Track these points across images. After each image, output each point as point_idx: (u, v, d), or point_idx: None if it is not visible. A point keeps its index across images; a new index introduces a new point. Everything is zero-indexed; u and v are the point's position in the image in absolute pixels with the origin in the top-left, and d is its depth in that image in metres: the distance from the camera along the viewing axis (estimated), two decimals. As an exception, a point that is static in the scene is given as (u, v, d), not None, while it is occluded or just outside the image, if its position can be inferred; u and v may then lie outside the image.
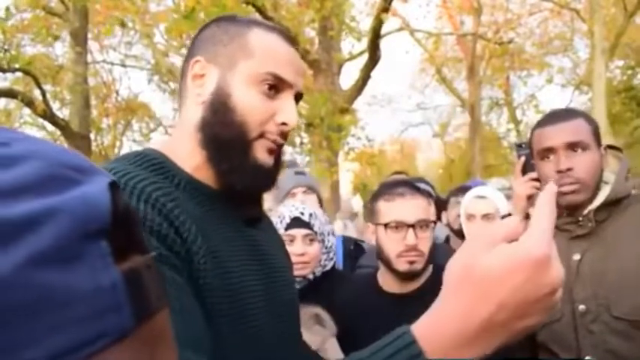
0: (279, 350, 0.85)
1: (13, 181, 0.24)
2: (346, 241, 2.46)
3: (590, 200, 1.40)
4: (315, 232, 1.67)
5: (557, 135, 1.40)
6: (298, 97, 0.92)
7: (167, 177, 0.82)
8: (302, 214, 1.67)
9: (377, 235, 1.57)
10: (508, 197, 2.34)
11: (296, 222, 1.66)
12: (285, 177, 2.38)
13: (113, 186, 0.28)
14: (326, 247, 1.74)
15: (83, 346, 0.24)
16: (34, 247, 0.23)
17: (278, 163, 0.91)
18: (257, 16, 8.14)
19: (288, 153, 10.86)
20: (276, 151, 0.90)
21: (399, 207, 1.52)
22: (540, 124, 1.48)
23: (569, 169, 1.37)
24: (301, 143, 9.71)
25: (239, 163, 0.85)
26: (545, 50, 17.23)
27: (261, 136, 0.87)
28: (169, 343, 0.31)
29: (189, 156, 0.87)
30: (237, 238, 0.86)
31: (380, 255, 1.58)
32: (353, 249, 2.45)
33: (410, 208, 1.52)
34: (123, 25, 8.12)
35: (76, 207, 0.25)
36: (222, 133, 0.85)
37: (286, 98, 0.89)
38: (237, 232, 0.87)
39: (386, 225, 1.52)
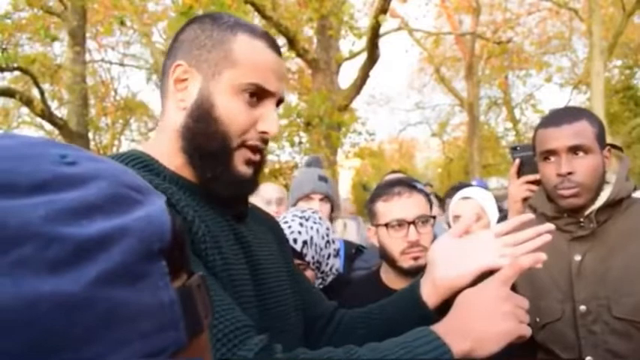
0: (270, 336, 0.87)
1: (84, 200, 0.25)
2: (347, 245, 2.46)
3: (592, 201, 1.39)
4: (308, 262, 1.63)
5: (560, 137, 1.39)
6: (279, 102, 0.93)
7: (154, 174, 0.84)
8: (295, 241, 1.61)
9: (378, 236, 1.58)
10: (506, 197, 2.35)
11: None
12: (307, 177, 2.36)
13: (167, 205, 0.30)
14: (322, 272, 1.70)
15: (152, 356, 0.25)
16: (105, 265, 0.24)
17: (258, 170, 0.92)
18: (256, 16, 8.15)
19: (288, 153, 10.88)
20: (256, 161, 0.91)
21: (397, 206, 1.54)
22: (544, 124, 1.46)
23: (569, 173, 1.36)
24: (300, 142, 9.71)
25: (220, 173, 0.87)
26: (543, 50, 17.25)
27: (242, 144, 0.88)
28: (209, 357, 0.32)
29: (171, 156, 0.88)
30: (226, 231, 0.87)
31: (383, 255, 1.59)
32: (355, 253, 2.46)
33: (408, 205, 1.53)
34: (122, 23, 8.10)
35: (142, 227, 0.26)
36: (206, 144, 0.86)
37: (268, 106, 0.89)
38: (226, 226, 0.88)
39: (387, 225, 1.53)
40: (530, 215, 1.00)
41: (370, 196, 1.67)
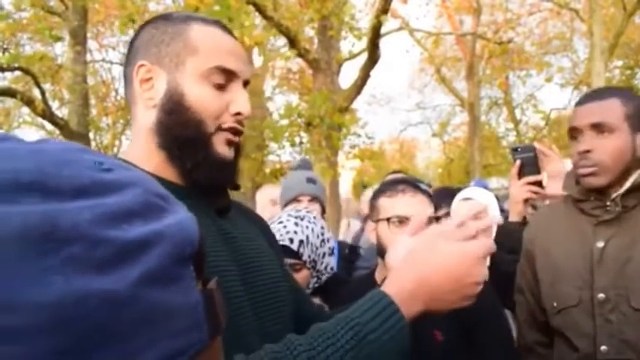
0: (259, 332, 0.86)
1: (122, 205, 0.27)
2: (341, 245, 2.47)
3: (620, 185, 1.34)
4: (304, 262, 1.64)
5: (583, 115, 1.35)
6: (246, 84, 0.93)
7: None
8: (291, 241, 1.62)
9: (378, 232, 1.58)
10: (506, 197, 2.35)
11: (283, 250, 1.58)
12: (295, 180, 2.37)
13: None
14: (317, 271, 1.70)
15: (177, 356, 0.27)
16: (145, 267, 0.26)
17: (238, 155, 0.93)
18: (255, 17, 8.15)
19: (288, 152, 10.88)
20: (236, 142, 0.91)
21: (400, 202, 1.54)
22: (577, 103, 1.43)
23: (587, 151, 1.33)
24: (301, 142, 9.71)
25: (202, 159, 0.87)
26: (544, 50, 17.24)
27: (219, 128, 0.88)
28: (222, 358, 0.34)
29: (148, 157, 0.88)
30: (208, 228, 0.87)
31: (380, 251, 1.59)
32: (348, 253, 2.46)
33: (412, 203, 1.53)
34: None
35: (176, 233, 0.28)
36: (182, 133, 0.86)
37: (236, 88, 0.90)
38: (208, 223, 0.88)
39: (388, 219, 1.53)
40: (480, 203, 0.99)
41: (374, 192, 1.67)
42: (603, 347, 1.30)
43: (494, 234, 1.83)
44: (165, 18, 0.92)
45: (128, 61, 0.92)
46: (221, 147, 0.88)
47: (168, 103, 0.87)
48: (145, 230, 0.27)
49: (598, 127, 1.32)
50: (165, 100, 0.87)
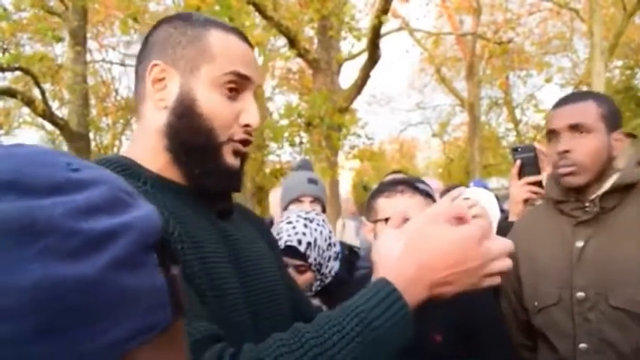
0: (256, 332, 0.86)
1: (90, 201, 0.30)
2: (341, 246, 2.47)
3: (599, 185, 1.38)
4: (309, 264, 1.63)
5: (561, 117, 1.40)
6: (257, 88, 0.94)
7: (133, 177, 0.83)
8: (299, 242, 1.61)
9: (376, 233, 1.56)
10: (506, 197, 2.35)
11: (290, 250, 1.61)
12: (296, 180, 2.37)
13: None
14: (322, 274, 1.70)
15: (144, 333, 0.31)
16: (113, 254, 0.30)
17: (244, 163, 0.93)
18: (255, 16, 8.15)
19: (289, 153, 10.88)
20: (243, 152, 0.92)
21: (399, 203, 1.53)
22: (553, 106, 1.48)
23: (566, 151, 1.37)
24: (301, 143, 9.70)
25: (211, 168, 0.87)
26: (544, 50, 17.24)
27: (229, 139, 0.88)
28: (185, 345, 0.38)
29: (153, 158, 0.88)
30: (210, 229, 0.87)
31: None
32: (348, 254, 2.46)
33: (410, 204, 1.52)
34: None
35: (140, 224, 0.32)
36: (192, 139, 0.86)
37: (248, 98, 0.90)
38: (210, 224, 0.88)
39: (387, 220, 1.51)
40: (461, 189, 0.99)
41: (371, 193, 1.66)
42: (582, 345, 1.32)
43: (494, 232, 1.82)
44: (184, 19, 0.91)
45: (141, 57, 0.91)
46: (229, 157, 0.89)
47: (179, 107, 0.87)
48: (112, 222, 0.31)
49: (576, 128, 1.37)
50: (177, 104, 0.87)
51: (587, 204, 1.39)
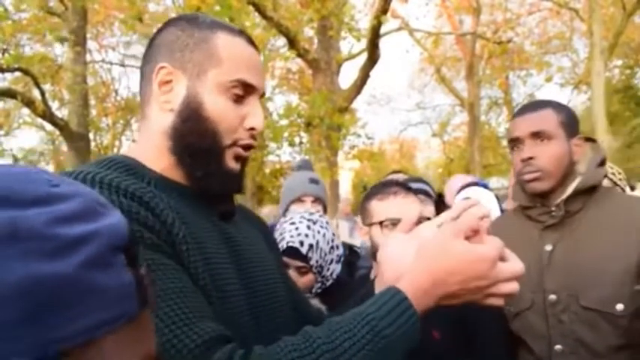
0: (257, 333, 0.87)
1: (68, 211, 0.37)
2: (345, 247, 2.47)
3: (563, 190, 1.42)
4: (311, 266, 1.62)
5: (522, 125, 1.44)
6: (262, 97, 0.95)
7: (137, 177, 0.84)
8: (302, 244, 1.60)
9: (370, 235, 1.56)
10: (506, 197, 2.35)
11: (292, 251, 1.60)
12: (298, 180, 2.37)
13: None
14: (323, 276, 1.69)
15: (114, 321, 0.36)
16: (86, 255, 0.35)
17: (244, 166, 0.94)
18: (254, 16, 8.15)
19: (288, 153, 10.89)
20: (245, 157, 0.92)
21: (392, 205, 1.52)
22: (513, 115, 1.52)
23: (530, 158, 1.41)
24: (300, 143, 9.71)
25: (213, 170, 0.88)
26: (544, 50, 17.25)
27: (234, 143, 0.89)
28: (152, 338, 0.43)
29: (157, 159, 0.88)
30: (212, 231, 0.87)
31: (375, 254, 1.58)
32: (348, 254, 2.46)
33: (404, 205, 1.52)
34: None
35: (110, 230, 0.38)
36: (197, 142, 0.87)
37: (253, 103, 0.91)
38: (212, 226, 0.88)
39: (381, 223, 1.52)
40: (473, 201, 1.00)
41: (365, 195, 1.65)
42: (558, 347, 1.35)
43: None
44: (190, 21, 0.91)
45: (147, 59, 0.91)
46: (230, 161, 0.89)
47: (185, 110, 0.87)
48: (85, 228, 0.36)
49: (537, 135, 1.41)
50: (182, 107, 0.87)
51: (552, 208, 1.42)
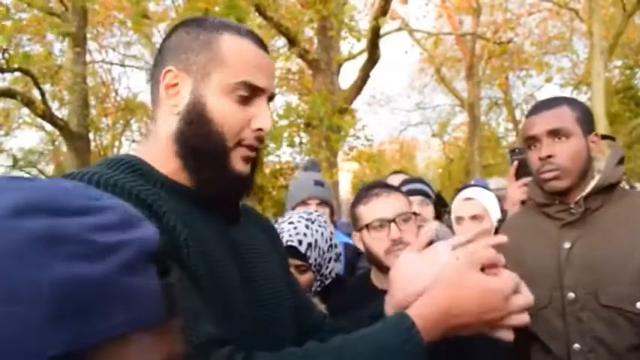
0: (259, 336, 0.87)
1: (106, 221, 0.41)
2: (348, 248, 2.47)
3: (581, 187, 1.41)
4: (310, 264, 1.64)
5: (539, 123, 1.42)
6: (271, 98, 0.93)
7: (145, 178, 0.84)
8: (300, 242, 1.62)
9: (363, 241, 1.58)
10: (505, 197, 2.34)
11: (291, 250, 1.60)
12: (303, 182, 2.37)
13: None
14: (321, 275, 1.70)
15: (145, 320, 0.39)
16: (122, 259, 0.39)
17: (254, 169, 0.93)
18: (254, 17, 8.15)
19: (288, 153, 10.88)
20: (253, 158, 0.91)
21: (376, 206, 1.54)
22: (528, 113, 1.51)
23: (549, 157, 1.39)
24: (300, 143, 9.71)
25: (218, 173, 0.87)
26: (544, 50, 17.24)
27: (239, 143, 0.88)
28: (178, 343, 0.44)
29: (165, 161, 0.88)
30: (217, 235, 0.87)
31: (370, 258, 1.59)
32: (350, 256, 2.46)
33: (387, 204, 1.53)
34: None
35: (143, 241, 0.42)
36: (201, 144, 0.86)
37: (260, 103, 0.90)
38: (217, 230, 0.88)
39: (368, 226, 1.54)
40: (485, 226, 1.01)
41: (352, 203, 1.67)
42: (576, 345, 1.34)
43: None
44: (198, 23, 0.91)
45: (157, 62, 0.92)
46: (238, 163, 0.89)
47: (190, 113, 0.87)
48: (121, 237, 0.40)
49: (555, 133, 1.40)
50: (187, 110, 0.87)
51: (571, 206, 1.41)
